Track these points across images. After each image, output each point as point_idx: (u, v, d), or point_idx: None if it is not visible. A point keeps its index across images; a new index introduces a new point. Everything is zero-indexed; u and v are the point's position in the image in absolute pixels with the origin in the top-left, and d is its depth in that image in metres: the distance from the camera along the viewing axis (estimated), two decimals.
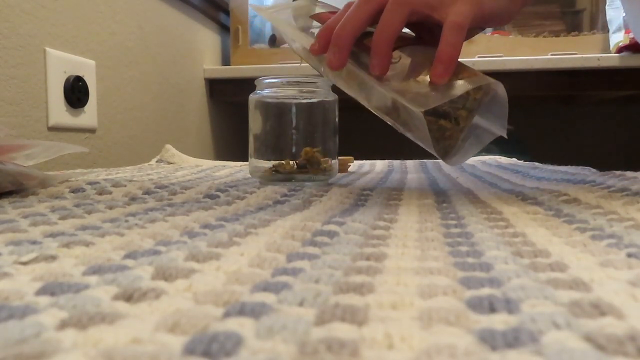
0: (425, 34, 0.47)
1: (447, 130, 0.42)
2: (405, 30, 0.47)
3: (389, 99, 0.44)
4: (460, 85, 0.40)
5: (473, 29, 0.48)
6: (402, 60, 0.43)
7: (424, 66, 0.42)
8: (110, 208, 0.37)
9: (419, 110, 0.39)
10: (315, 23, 0.51)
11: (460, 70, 0.41)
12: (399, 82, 0.42)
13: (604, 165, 0.69)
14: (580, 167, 0.65)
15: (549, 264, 0.20)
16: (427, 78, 0.41)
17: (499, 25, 0.50)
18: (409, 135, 0.46)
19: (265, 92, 0.55)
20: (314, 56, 0.50)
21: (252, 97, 0.55)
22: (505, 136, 0.44)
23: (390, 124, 0.47)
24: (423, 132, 0.42)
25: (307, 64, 0.54)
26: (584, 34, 1.36)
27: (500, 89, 0.41)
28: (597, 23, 1.42)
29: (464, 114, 0.42)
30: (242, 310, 0.15)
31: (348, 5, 0.45)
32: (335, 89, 0.56)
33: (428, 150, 0.44)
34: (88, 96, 0.88)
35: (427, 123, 0.41)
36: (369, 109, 0.48)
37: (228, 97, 1.44)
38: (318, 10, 0.51)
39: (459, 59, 0.42)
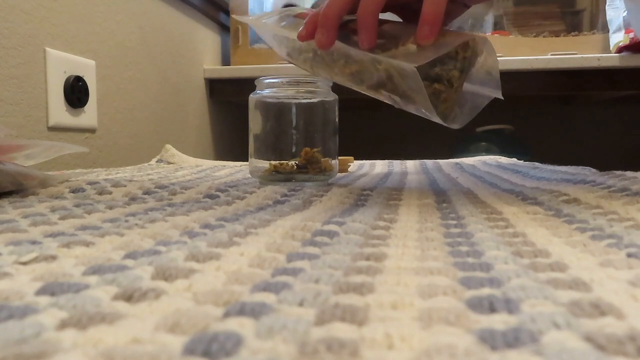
0: (412, 19, 0.47)
1: (442, 93, 0.43)
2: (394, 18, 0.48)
3: (382, 71, 0.45)
4: (448, 43, 0.41)
5: (457, 6, 0.48)
6: (388, 32, 0.44)
7: (409, 35, 0.43)
8: (110, 208, 0.37)
9: (412, 65, 0.40)
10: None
11: (445, 33, 0.42)
12: (388, 51, 0.43)
13: (604, 165, 0.69)
14: (580, 167, 0.65)
15: (549, 264, 0.20)
16: (414, 45, 0.42)
17: (482, 0, 0.51)
18: (407, 107, 0.46)
19: (265, 92, 0.55)
20: (301, 56, 0.51)
21: (252, 97, 0.55)
22: (502, 97, 0.44)
23: (387, 101, 0.48)
24: (420, 95, 0.43)
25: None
26: (584, 34, 1.36)
27: (488, 47, 0.42)
28: (597, 23, 1.42)
29: (456, 74, 0.43)
30: (242, 310, 0.15)
31: None
32: (335, 88, 0.56)
33: (428, 116, 0.45)
34: (88, 96, 0.88)
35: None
36: (364, 92, 0.48)
37: (228, 97, 1.44)
38: (296, 12, 0.52)
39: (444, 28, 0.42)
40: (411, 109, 0.46)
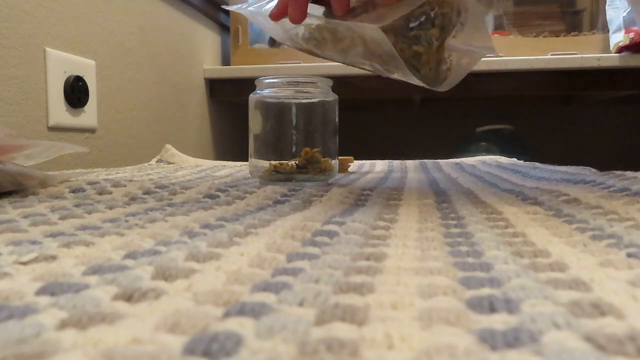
0: None
1: (422, 55, 0.42)
2: None
3: (357, 39, 0.44)
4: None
5: None
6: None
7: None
8: (110, 208, 0.37)
9: (375, 26, 0.39)
10: None
11: None
12: (361, 16, 0.42)
13: (604, 165, 0.69)
14: (580, 167, 0.65)
15: (549, 264, 0.20)
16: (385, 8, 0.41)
17: None
18: (390, 74, 0.45)
19: (265, 92, 0.55)
20: (300, 38, 0.50)
21: (252, 97, 0.55)
22: (495, 53, 0.44)
23: (373, 71, 0.47)
24: (395, 59, 0.41)
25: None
26: (584, 34, 1.37)
27: (470, 0, 0.41)
28: (597, 23, 1.42)
29: (435, 32, 0.41)
30: (242, 310, 0.15)
31: None
32: (335, 88, 0.56)
33: (412, 81, 0.43)
34: (88, 96, 0.88)
35: (399, 51, 0.40)
36: (353, 65, 0.48)
37: (228, 97, 1.44)
38: None
39: None
40: (396, 75, 0.45)
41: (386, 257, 0.22)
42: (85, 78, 0.87)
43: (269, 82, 0.54)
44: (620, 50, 1.22)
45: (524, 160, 0.91)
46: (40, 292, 0.17)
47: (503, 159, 0.98)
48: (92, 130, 0.91)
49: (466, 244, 0.25)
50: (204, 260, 0.21)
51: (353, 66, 0.49)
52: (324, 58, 0.51)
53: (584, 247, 0.24)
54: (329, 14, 0.46)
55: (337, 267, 0.20)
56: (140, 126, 1.07)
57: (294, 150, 0.54)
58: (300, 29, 0.50)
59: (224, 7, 0.57)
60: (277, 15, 0.47)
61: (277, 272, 0.20)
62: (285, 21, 0.49)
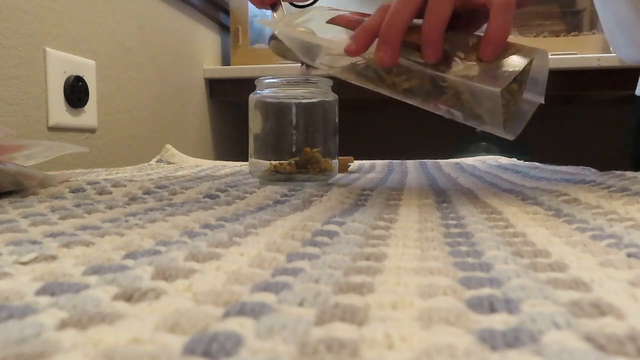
0: (453, 21, 0.47)
1: (502, 107, 0.43)
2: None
3: (449, 88, 0.44)
4: (518, 61, 0.41)
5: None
6: (447, 46, 0.44)
7: (464, 47, 0.43)
8: (110, 208, 0.37)
9: (497, 90, 0.40)
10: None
11: (508, 47, 0.42)
12: (452, 66, 0.43)
13: (604, 165, 0.69)
14: (580, 167, 0.65)
15: (549, 264, 0.20)
16: (475, 63, 0.42)
17: (532, 4, 0.51)
18: (466, 120, 0.46)
19: (265, 92, 0.55)
20: (338, 65, 0.49)
21: (252, 97, 0.55)
22: (543, 102, 0.45)
23: (440, 113, 0.47)
24: (493, 113, 0.43)
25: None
26: (584, 34, 1.37)
27: (541, 56, 0.42)
28: (597, 23, 1.42)
29: (515, 87, 0.42)
30: (242, 310, 0.15)
31: (385, 7, 0.44)
32: (335, 88, 0.56)
33: (487, 128, 0.45)
34: (88, 96, 0.88)
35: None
36: (415, 104, 0.47)
37: (228, 97, 1.44)
38: (325, 16, 0.50)
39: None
40: (470, 122, 0.46)
41: (386, 257, 0.22)
42: (85, 78, 0.87)
43: (269, 82, 0.54)
44: None
45: (524, 160, 0.91)
46: (40, 292, 0.17)
47: (503, 159, 0.98)
48: (92, 130, 0.91)
49: (466, 244, 0.25)
50: (204, 260, 0.21)
51: (406, 101, 0.48)
52: (369, 88, 0.49)
53: (584, 247, 0.24)
54: (406, 52, 0.44)
55: (337, 267, 0.20)
56: (140, 126, 1.07)
57: (294, 150, 0.54)
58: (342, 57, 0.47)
59: (260, 21, 0.55)
60: (357, 51, 0.44)
61: (277, 272, 0.20)
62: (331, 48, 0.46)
